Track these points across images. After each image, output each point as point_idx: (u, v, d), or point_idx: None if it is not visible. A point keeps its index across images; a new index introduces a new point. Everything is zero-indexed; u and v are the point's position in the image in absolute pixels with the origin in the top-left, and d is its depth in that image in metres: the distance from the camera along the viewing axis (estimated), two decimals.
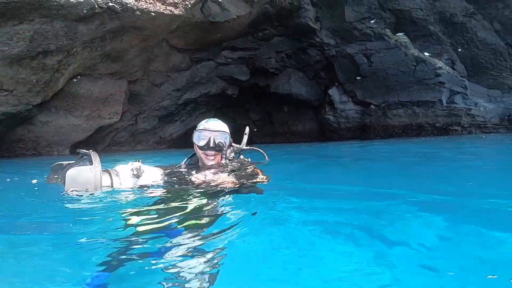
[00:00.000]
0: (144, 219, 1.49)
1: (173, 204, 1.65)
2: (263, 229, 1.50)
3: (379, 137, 12.99)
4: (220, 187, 1.74)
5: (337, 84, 13.65)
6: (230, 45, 11.86)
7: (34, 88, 7.70)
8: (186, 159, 2.23)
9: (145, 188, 1.69)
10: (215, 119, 2.18)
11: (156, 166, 1.93)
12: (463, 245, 1.35)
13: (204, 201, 1.67)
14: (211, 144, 1.98)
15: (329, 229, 1.55)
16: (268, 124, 16.00)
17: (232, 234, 1.38)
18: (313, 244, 1.38)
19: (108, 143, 12.10)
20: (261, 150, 2.42)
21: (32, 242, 1.44)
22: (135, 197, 1.65)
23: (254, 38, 12.03)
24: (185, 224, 1.44)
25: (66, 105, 9.64)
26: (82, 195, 1.45)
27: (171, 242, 1.28)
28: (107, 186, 1.53)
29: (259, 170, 2.00)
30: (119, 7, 7.33)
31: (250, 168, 2.06)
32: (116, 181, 1.56)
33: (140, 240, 1.31)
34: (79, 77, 9.22)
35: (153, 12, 8.06)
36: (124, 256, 1.17)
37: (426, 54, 13.07)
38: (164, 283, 1.02)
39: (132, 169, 1.61)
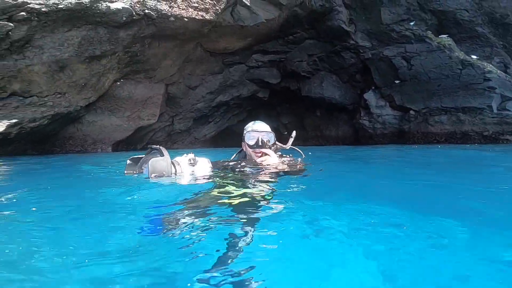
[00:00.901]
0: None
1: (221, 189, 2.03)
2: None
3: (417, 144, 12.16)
4: (273, 170, 2.28)
5: (373, 87, 13.11)
6: (260, 49, 12.08)
7: (83, 90, 8.63)
8: (234, 155, 2.79)
9: (199, 174, 2.17)
10: (260, 121, 2.66)
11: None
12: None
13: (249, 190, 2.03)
14: (260, 143, 2.43)
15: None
16: (299, 127, 15.88)
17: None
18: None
19: (146, 142, 12.98)
20: (299, 150, 2.90)
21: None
22: (194, 181, 2.16)
23: (284, 42, 12.11)
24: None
25: (110, 106, 10.57)
26: (160, 179, 1.91)
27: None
28: (174, 173, 1.98)
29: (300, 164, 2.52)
30: (155, 14, 7.96)
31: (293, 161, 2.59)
32: (179, 168, 2.02)
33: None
34: (122, 80, 10.10)
35: (186, 17, 8.60)
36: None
37: (474, 57, 12.03)
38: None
39: (189, 159, 2.12)
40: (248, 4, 9.23)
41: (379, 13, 11.94)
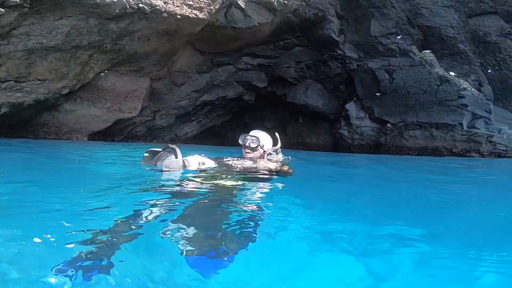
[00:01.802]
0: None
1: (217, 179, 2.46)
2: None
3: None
4: (259, 172, 2.77)
5: (355, 99, 13.51)
6: (250, 52, 12.10)
7: (64, 79, 8.24)
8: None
9: (204, 170, 2.61)
10: (259, 130, 3.25)
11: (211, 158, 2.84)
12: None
13: (240, 182, 2.46)
14: (246, 144, 3.06)
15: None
16: (282, 133, 16.03)
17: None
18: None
19: (125, 136, 12.61)
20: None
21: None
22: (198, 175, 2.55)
23: (275, 47, 12.21)
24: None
25: (91, 96, 10.17)
26: (170, 173, 2.37)
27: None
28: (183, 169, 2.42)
29: (287, 166, 2.97)
30: (148, 8, 7.74)
31: (282, 164, 3.06)
32: (189, 166, 2.46)
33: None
34: (106, 71, 9.74)
35: (179, 15, 8.44)
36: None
37: (452, 73, 12.65)
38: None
39: (199, 162, 2.53)
40: (243, 7, 9.22)
41: (369, 25, 12.30)
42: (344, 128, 13.61)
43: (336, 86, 13.91)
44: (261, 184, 2.61)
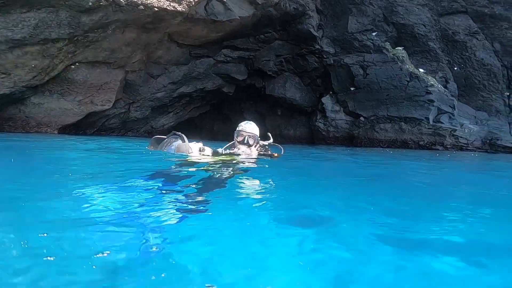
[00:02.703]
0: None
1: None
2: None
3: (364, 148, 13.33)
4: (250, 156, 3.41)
5: (331, 93, 13.84)
6: (230, 44, 11.89)
7: (31, 72, 7.69)
8: (227, 145, 3.65)
9: (205, 155, 3.18)
10: (251, 122, 3.62)
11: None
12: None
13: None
14: (244, 141, 3.41)
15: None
16: (261, 125, 16.12)
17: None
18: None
19: (98, 128, 12.11)
20: (280, 146, 4.16)
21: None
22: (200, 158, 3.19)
23: (255, 40, 12.08)
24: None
25: (60, 89, 9.60)
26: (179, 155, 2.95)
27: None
28: (189, 153, 2.97)
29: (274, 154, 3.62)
30: (124, 1, 7.33)
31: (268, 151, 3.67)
32: (191, 153, 2.95)
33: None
34: (77, 64, 9.18)
35: (156, 7, 8.07)
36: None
37: (421, 70, 13.28)
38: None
39: (199, 148, 3.04)
40: (224, 0, 8.97)
41: (347, 21, 12.47)
42: (320, 121, 13.97)
43: (313, 80, 14.12)
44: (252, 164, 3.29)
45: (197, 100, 14.09)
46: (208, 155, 3.15)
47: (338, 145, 13.72)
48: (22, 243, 1.16)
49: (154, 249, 1.15)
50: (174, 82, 12.16)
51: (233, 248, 1.29)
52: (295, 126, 15.34)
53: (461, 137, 13.15)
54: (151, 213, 1.54)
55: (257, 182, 2.57)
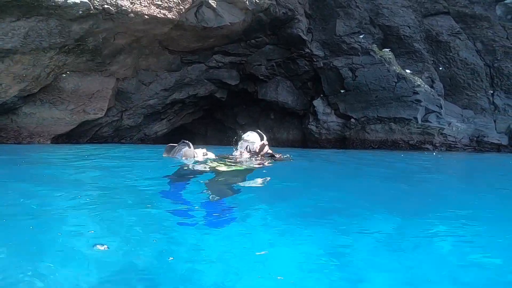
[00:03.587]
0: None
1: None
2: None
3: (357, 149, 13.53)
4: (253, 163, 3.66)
5: (322, 95, 14.06)
6: (222, 50, 12.02)
7: (22, 82, 7.68)
8: (234, 151, 4.01)
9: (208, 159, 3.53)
10: (253, 132, 3.99)
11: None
12: None
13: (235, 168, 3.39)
14: (247, 150, 3.80)
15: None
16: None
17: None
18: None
19: (91, 137, 12.05)
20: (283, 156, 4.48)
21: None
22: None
23: (246, 45, 12.24)
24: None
25: (52, 98, 9.57)
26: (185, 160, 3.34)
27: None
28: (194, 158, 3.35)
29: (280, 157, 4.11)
30: (114, 9, 7.41)
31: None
32: (197, 157, 3.35)
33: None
34: (68, 72, 9.18)
35: (147, 15, 8.18)
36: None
37: (408, 71, 13.59)
38: None
39: (203, 152, 3.41)
40: (214, 6, 9.12)
41: (335, 24, 12.74)
42: (312, 123, 14.15)
43: (304, 83, 14.33)
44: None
45: (190, 106, 14.15)
46: (212, 158, 3.52)
47: (330, 147, 13.92)
48: None
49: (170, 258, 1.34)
50: (166, 89, 12.22)
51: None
52: (288, 130, 15.50)
53: (449, 135, 13.46)
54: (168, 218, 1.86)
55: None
